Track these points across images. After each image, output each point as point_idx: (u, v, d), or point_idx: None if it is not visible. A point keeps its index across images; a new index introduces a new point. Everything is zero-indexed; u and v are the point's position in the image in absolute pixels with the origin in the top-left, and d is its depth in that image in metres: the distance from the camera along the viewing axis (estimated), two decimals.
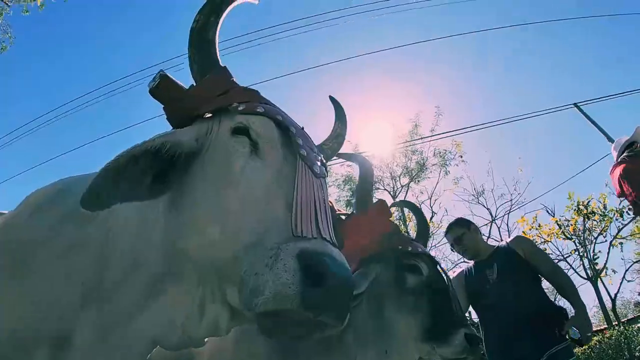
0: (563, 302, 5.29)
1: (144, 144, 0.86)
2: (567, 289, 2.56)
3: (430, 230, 13.93)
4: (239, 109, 0.97)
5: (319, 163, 0.94)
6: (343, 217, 1.64)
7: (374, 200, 1.78)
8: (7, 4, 10.77)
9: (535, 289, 2.64)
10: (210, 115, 1.05)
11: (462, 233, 2.79)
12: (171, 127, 1.06)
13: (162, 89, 1.00)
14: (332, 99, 1.50)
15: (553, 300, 2.79)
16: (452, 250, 2.97)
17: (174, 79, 1.01)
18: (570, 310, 2.65)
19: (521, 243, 2.74)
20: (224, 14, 1.12)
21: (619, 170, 2.42)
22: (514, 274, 2.58)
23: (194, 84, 1.05)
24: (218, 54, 1.09)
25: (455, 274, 2.87)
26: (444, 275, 1.80)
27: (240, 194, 0.83)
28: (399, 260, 1.74)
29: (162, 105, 1.03)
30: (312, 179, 0.87)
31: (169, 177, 0.93)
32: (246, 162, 0.88)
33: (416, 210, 2.39)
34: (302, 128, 1.04)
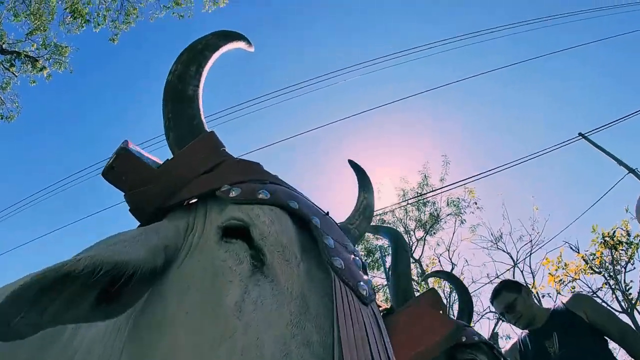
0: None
1: (62, 266, 0.52)
2: None
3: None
4: (232, 194, 0.64)
5: (362, 275, 0.60)
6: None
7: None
8: (14, 74, 11.04)
9: (605, 358, 2.18)
10: (195, 200, 0.72)
11: (514, 299, 2.35)
12: (138, 223, 0.73)
13: (120, 168, 0.68)
14: (351, 163, 1.19)
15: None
16: (501, 319, 2.52)
17: (137, 153, 0.70)
18: None
19: (581, 303, 2.30)
20: (209, 63, 0.83)
21: None
22: (580, 344, 2.13)
23: (169, 159, 0.73)
24: (202, 116, 0.78)
25: (508, 347, 2.41)
26: None
27: (238, 352, 0.47)
28: (453, 356, 1.34)
29: (123, 194, 0.70)
30: (359, 310, 0.52)
31: (123, 296, 0.60)
32: (245, 290, 0.53)
33: (456, 282, 1.98)
34: (327, 213, 0.70)
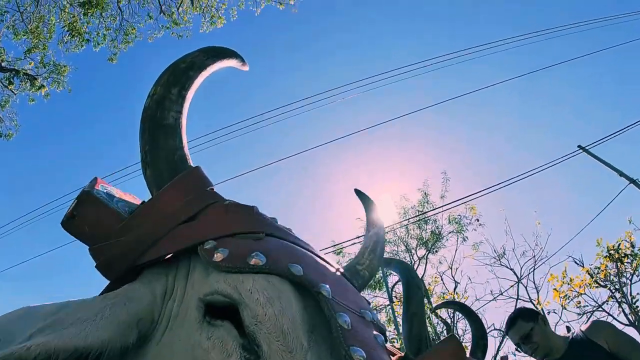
0: None
1: (10, 355, 0.41)
2: None
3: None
4: (217, 257, 0.51)
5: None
6: None
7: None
8: (13, 92, 11.01)
9: None
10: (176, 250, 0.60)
11: (530, 328, 2.20)
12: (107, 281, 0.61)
13: (83, 217, 0.56)
14: (358, 192, 1.07)
15: None
16: (517, 350, 2.37)
17: (104, 197, 0.57)
18: None
19: (601, 331, 2.16)
20: (194, 85, 0.71)
21: None
22: None
23: (143, 203, 0.61)
24: (186, 147, 0.66)
25: None
26: None
27: None
28: None
29: (87, 247, 0.58)
30: None
31: None
32: None
33: (469, 314, 1.84)
34: (338, 270, 0.57)
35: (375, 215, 1.00)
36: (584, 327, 2.24)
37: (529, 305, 12.79)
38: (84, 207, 0.55)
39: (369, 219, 0.99)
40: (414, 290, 1.23)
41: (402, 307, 1.25)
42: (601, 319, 10.74)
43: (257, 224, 0.58)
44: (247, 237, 0.54)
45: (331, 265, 0.58)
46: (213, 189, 0.64)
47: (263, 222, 0.59)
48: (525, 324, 2.22)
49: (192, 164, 0.65)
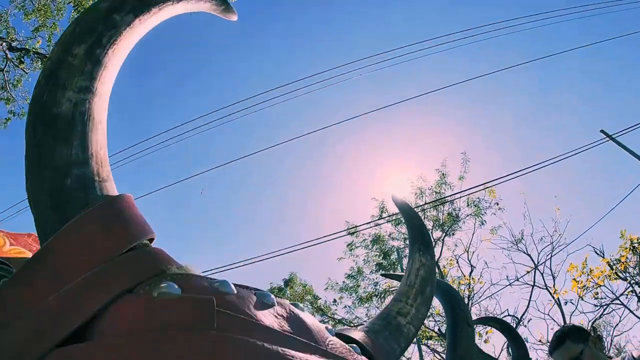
0: None
1: None
2: None
3: (471, 287, 12.65)
4: None
5: None
6: None
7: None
8: (24, 72, 10.95)
9: None
10: None
11: (580, 351, 1.91)
12: None
13: None
14: (397, 202, 0.80)
15: None
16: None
17: None
18: None
19: None
20: (123, 40, 0.41)
21: None
22: None
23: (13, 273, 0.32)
24: (96, 161, 0.37)
25: None
26: None
27: None
28: None
29: None
30: None
31: None
32: None
33: (511, 333, 1.56)
34: None
35: (423, 235, 0.72)
36: (636, 354, 1.95)
37: (544, 292, 12.42)
38: None
39: (413, 241, 0.71)
40: (463, 327, 0.91)
41: (445, 343, 0.96)
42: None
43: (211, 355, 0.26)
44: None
45: None
46: (152, 239, 0.35)
47: (229, 346, 0.28)
48: (575, 345, 1.93)
49: (109, 191, 0.36)
